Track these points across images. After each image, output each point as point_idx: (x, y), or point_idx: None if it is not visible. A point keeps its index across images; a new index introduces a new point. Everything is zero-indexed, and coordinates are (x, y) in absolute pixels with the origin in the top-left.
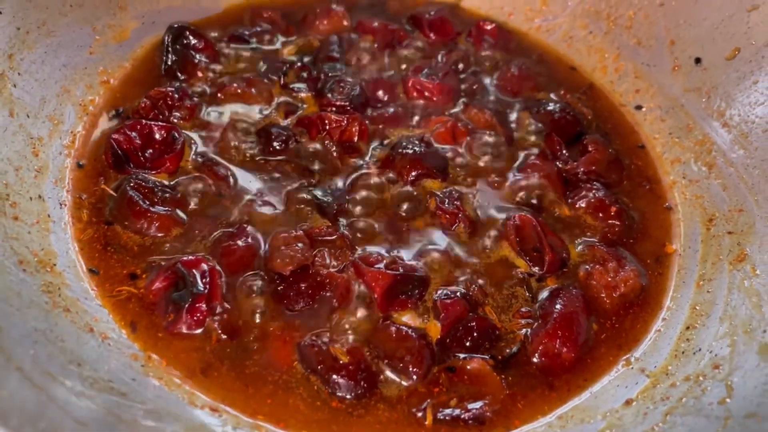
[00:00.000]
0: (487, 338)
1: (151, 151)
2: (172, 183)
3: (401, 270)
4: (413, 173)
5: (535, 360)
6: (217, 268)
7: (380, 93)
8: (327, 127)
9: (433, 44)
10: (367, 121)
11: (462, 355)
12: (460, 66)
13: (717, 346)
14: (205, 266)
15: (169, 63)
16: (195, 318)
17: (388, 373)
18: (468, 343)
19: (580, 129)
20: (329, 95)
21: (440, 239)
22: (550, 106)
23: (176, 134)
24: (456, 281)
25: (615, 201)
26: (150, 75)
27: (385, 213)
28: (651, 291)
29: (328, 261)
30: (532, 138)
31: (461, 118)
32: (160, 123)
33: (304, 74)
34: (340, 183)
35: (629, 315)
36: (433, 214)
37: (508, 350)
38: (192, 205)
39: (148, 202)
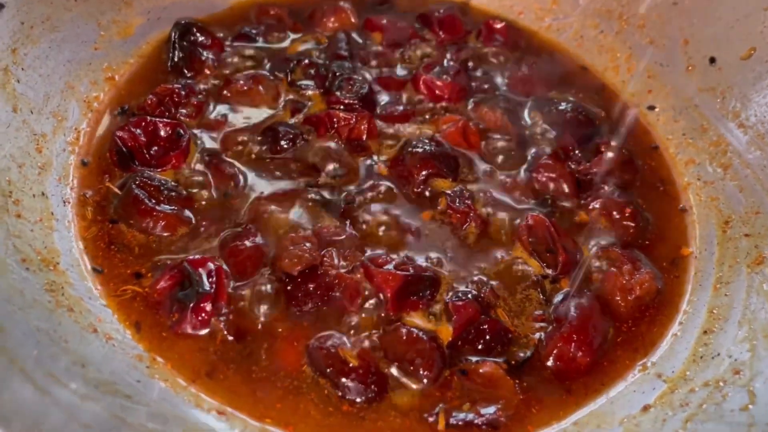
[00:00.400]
0: (500, 341)
1: (156, 148)
2: (177, 181)
3: (412, 271)
4: (423, 172)
5: (549, 364)
6: (224, 267)
7: (389, 91)
8: (335, 125)
9: (442, 42)
10: (376, 120)
11: (474, 359)
12: (470, 65)
13: (736, 351)
14: (211, 265)
15: (176, 59)
16: (200, 318)
17: (399, 377)
18: (480, 346)
19: (592, 129)
20: (338, 93)
21: (451, 239)
22: (562, 106)
23: (181, 131)
24: (467, 282)
25: (629, 202)
26: (155, 72)
27: (394, 212)
28: (667, 294)
29: (336, 261)
30: (544, 138)
31: (472, 117)
32: (165, 120)
33: (312, 71)
34: (348, 182)
35: (645, 319)
36: (443, 212)
37: (522, 354)
38: (198, 204)
39: (154, 201)
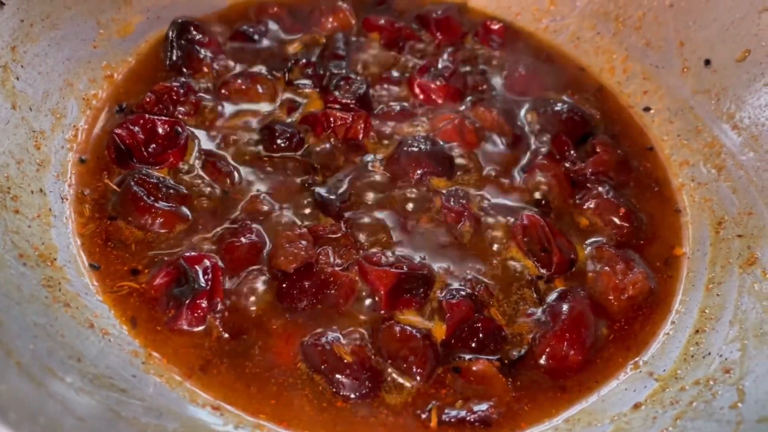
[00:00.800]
0: (493, 339)
1: (154, 146)
2: (175, 178)
3: (406, 269)
4: (418, 172)
5: (542, 362)
6: (220, 264)
7: (386, 91)
8: (332, 124)
9: (439, 43)
10: (372, 119)
11: (467, 356)
12: (467, 66)
13: (727, 350)
14: (207, 262)
15: (174, 58)
16: (196, 314)
17: (392, 374)
18: (473, 344)
19: (588, 130)
20: (335, 93)
21: (446, 237)
22: (558, 107)
23: (179, 129)
24: (462, 281)
25: (623, 202)
26: (154, 70)
27: (389, 211)
28: (659, 294)
29: (332, 259)
30: (540, 138)
31: (468, 116)
32: (163, 117)
33: (309, 71)
34: (344, 181)
35: (638, 318)
36: (438, 211)
37: (515, 353)
38: (196, 202)
39: (152, 198)
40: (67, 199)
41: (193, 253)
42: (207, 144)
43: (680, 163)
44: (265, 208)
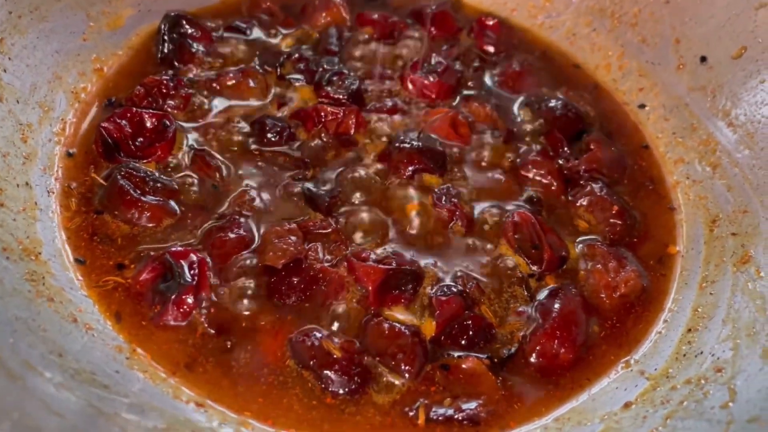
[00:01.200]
0: (483, 337)
1: (141, 139)
2: (163, 172)
3: (394, 264)
4: (410, 168)
5: (532, 360)
6: (207, 259)
7: (378, 87)
8: (323, 119)
9: (434, 39)
10: (364, 114)
11: (457, 354)
12: (461, 61)
13: (719, 349)
14: (194, 257)
15: (166, 51)
16: (181, 310)
17: (381, 371)
18: (463, 342)
19: (582, 127)
20: (328, 88)
21: (436, 235)
22: (552, 103)
23: (167, 122)
24: (452, 278)
25: (617, 200)
26: (144, 64)
27: (380, 207)
28: (652, 292)
29: (321, 255)
30: (533, 134)
31: (461, 110)
32: (150, 110)
33: (301, 66)
34: (334, 176)
35: (630, 316)
36: (429, 208)
37: (505, 351)
38: (184, 196)
39: (139, 192)
40: (53, 192)
41: (179, 248)
42: (196, 138)
43: (675, 160)
44: (254, 202)
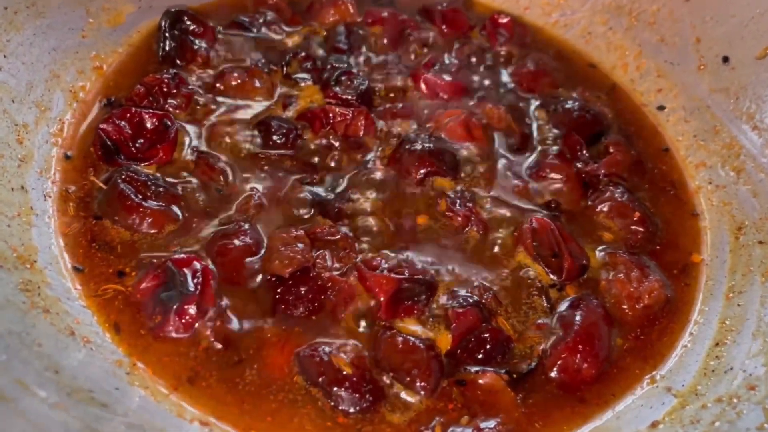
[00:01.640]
0: (501, 351)
1: (142, 141)
2: (165, 176)
3: (407, 274)
4: (422, 171)
5: (553, 375)
6: (211, 267)
7: (389, 87)
8: (331, 120)
9: (445, 37)
10: (373, 115)
11: (473, 369)
12: (474, 60)
13: (750, 365)
14: (197, 265)
15: (167, 49)
16: (183, 321)
17: (394, 388)
18: (480, 356)
19: (600, 129)
20: (336, 88)
21: (450, 242)
22: (569, 104)
23: (168, 122)
24: (468, 288)
25: (638, 206)
26: (145, 62)
27: (390, 213)
28: (676, 303)
29: (330, 263)
30: (550, 137)
31: (475, 112)
32: (150, 110)
33: (308, 65)
34: (343, 180)
35: (654, 329)
36: (442, 214)
37: (525, 366)
38: (186, 201)
39: (140, 196)
40: (50, 196)
41: (182, 256)
42: (199, 140)
43: (697, 164)
44: (260, 208)
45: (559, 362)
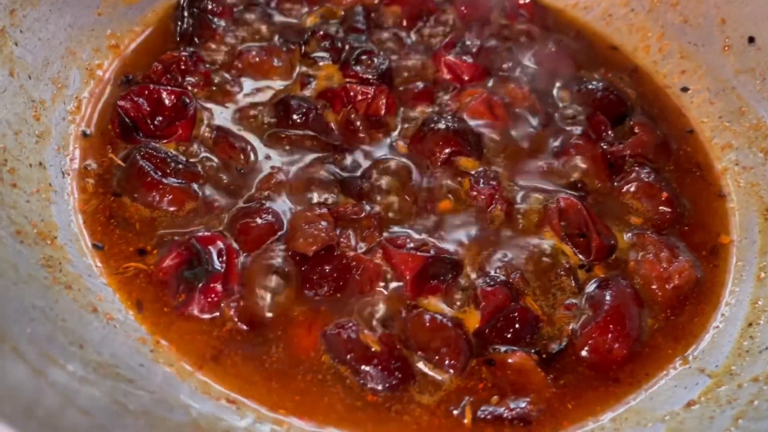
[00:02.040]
0: (530, 330)
1: (160, 118)
2: (185, 153)
3: (433, 252)
4: (446, 151)
5: (584, 355)
6: (234, 246)
7: (408, 68)
8: (352, 99)
9: (464, 18)
10: (394, 95)
11: (502, 348)
12: (494, 42)
13: None
14: (221, 244)
15: (185, 27)
16: (209, 299)
17: (423, 367)
18: (509, 335)
19: (624, 110)
20: (356, 68)
21: (475, 221)
22: (592, 85)
23: (187, 99)
24: (494, 268)
25: (665, 186)
26: (162, 41)
27: (414, 192)
28: (706, 284)
29: (354, 242)
30: (574, 117)
31: (497, 92)
32: (169, 87)
33: (326, 44)
34: (366, 160)
35: (684, 310)
36: (466, 193)
37: (554, 345)
38: (207, 178)
39: (160, 173)
40: (68, 174)
41: (206, 233)
42: (218, 118)
43: (723, 146)
44: (282, 186)
45: (590, 342)
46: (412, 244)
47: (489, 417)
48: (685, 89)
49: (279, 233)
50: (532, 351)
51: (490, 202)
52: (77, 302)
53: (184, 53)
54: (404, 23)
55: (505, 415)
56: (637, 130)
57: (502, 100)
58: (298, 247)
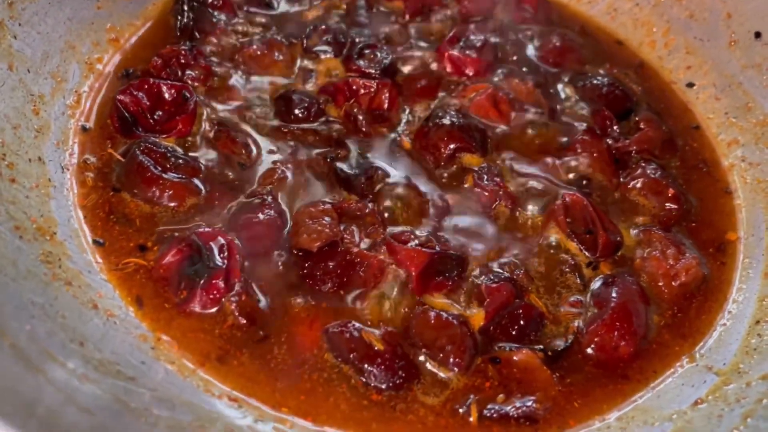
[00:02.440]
0: (535, 328)
1: (160, 112)
2: (185, 148)
3: (438, 248)
4: (450, 146)
5: (590, 353)
6: (236, 242)
7: (412, 62)
8: (355, 93)
9: (468, 12)
10: (398, 90)
11: (507, 346)
12: (498, 37)
13: None
14: (222, 240)
15: (185, 21)
16: (211, 296)
17: (427, 365)
18: (514, 332)
19: (630, 105)
20: (359, 62)
21: (479, 218)
22: (597, 80)
23: (187, 94)
24: (498, 264)
25: (672, 183)
26: (163, 36)
27: (418, 189)
28: (713, 282)
29: (358, 238)
30: (579, 112)
31: (502, 87)
32: (169, 82)
33: (329, 38)
34: (369, 155)
35: (691, 307)
36: (470, 189)
37: (560, 343)
38: (208, 173)
39: (160, 168)
40: (68, 169)
41: (207, 229)
42: (219, 112)
43: (729, 142)
44: (284, 182)
45: (596, 339)
46: (416, 241)
47: (495, 415)
48: (690, 85)
49: (282, 229)
50: (538, 348)
51: (494, 199)
52: (77, 299)
53: (183, 47)
54: (407, 17)
55: (511, 413)
56: (642, 126)
57: (507, 96)
58: (301, 243)
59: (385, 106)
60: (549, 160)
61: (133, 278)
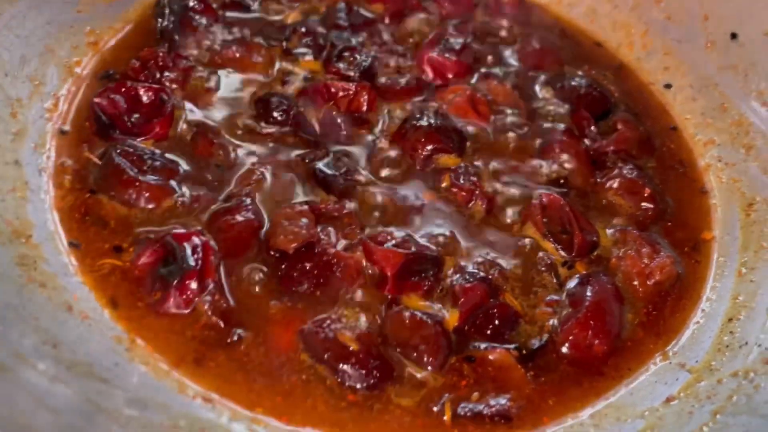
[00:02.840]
0: (510, 327)
1: (137, 115)
2: (162, 150)
3: (414, 249)
4: (428, 147)
5: (564, 351)
6: (211, 243)
7: (391, 64)
8: (334, 96)
9: (448, 15)
10: (376, 92)
11: (482, 345)
12: (477, 39)
13: (766, 340)
14: (197, 240)
15: (166, 24)
16: (184, 297)
17: (402, 364)
18: (488, 332)
19: (608, 106)
20: (339, 65)
21: (454, 218)
22: (575, 82)
23: (165, 96)
24: (474, 264)
25: (648, 183)
26: (142, 38)
27: (395, 189)
28: (688, 280)
29: (334, 239)
30: (556, 114)
31: (480, 88)
32: (146, 84)
33: (308, 40)
34: (347, 157)
35: (665, 306)
36: (447, 190)
37: (534, 342)
38: (185, 175)
39: (136, 170)
40: (45, 171)
41: (181, 230)
42: (197, 115)
43: (705, 142)
44: (262, 184)
45: (570, 338)
46: (393, 241)
47: (469, 414)
48: (668, 86)
49: (259, 230)
50: (512, 347)
51: (470, 199)
52: (52, 301)
53: (162, 50)
54: (387, 20)
55: (484, 411)
56: (620, 127)
57: (485, 97)
58: (278, 244)
59: (364, 108)
60: (527, 160)
61: (108, 279)
